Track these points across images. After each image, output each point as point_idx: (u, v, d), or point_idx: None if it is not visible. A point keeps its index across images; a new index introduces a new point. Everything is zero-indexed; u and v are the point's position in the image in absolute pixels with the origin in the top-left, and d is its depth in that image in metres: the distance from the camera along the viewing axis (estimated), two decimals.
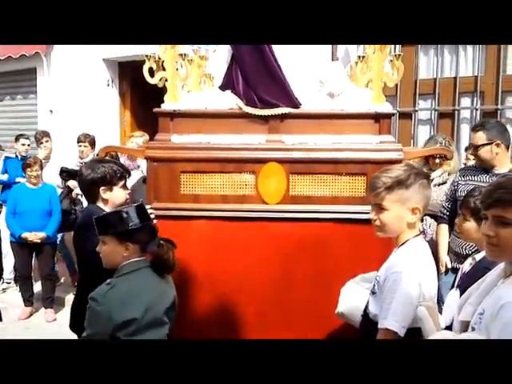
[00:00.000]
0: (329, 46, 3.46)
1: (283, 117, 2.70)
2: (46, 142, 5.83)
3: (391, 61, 2.77)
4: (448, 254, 3.44)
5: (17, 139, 5.95)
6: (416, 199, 1.84)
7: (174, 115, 2.76)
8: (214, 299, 2.71)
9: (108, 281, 2.03)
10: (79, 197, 5.13)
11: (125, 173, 2.69)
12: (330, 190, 2.69)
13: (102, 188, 2.55)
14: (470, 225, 2.31)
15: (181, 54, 2.81)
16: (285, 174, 2.67)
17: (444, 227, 3.47)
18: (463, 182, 3.30)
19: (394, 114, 3.06)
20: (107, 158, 3.12)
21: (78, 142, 5.51)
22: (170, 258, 2.10)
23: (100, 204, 2.63)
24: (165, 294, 2.11)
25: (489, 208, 1.49)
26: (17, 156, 5.87)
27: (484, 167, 3.27)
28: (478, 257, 2.29)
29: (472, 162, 3.90)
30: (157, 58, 2.87)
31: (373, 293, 1.90)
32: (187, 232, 2.68)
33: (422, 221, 3.59)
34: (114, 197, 2.58)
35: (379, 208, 1.86)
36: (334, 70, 2.81)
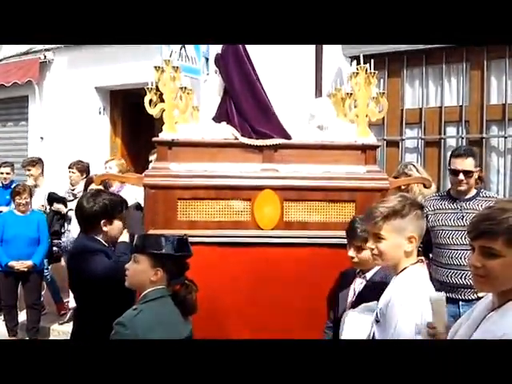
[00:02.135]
0: (313, 82, 3.69)
1: (277, 147, 2.92)
2: (29, 170, 5.86)
3: (375, 98, 3.00)
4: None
5: None
6: (411, 228, 1.96)
7: (172, 144, 2.93)
8: (210, 323, 2.81)
9: (134, 306, 2.12)
10: (69, 213, 5.13)
11: (123, 204, 2.79)
12: (321, 216, 2.89)
13: (103, 221, 2.65)
14: (368, 253, 2.30)
15: (181, 88, 2.98)
16: (279, 200, 2.86)
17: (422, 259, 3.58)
18: (432, 212, 3.39)
19: (379, 146, 3.30)
20: (101, 188, 3.24)
21: (68, 168, 5.59)
22: (192, 300, 2.17)
23: (98, 236, 2.72)
24: (184, 326, 2.19)
25: (476, 239, 1.51)
26: (2, 184, 5.94)
27: (450, 194, 3.42)
28: (369, 275, 2.43)
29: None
30: (155, 90, 3.03)
31: (377, 321, 2.00)
32: None
33: None
34: (113, 229, 2.69)
35: (377, 237, 1.97)
36: (322, 105, 3.07)
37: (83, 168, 5.57)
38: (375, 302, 2.17)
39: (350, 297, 2.48)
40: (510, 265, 1.45)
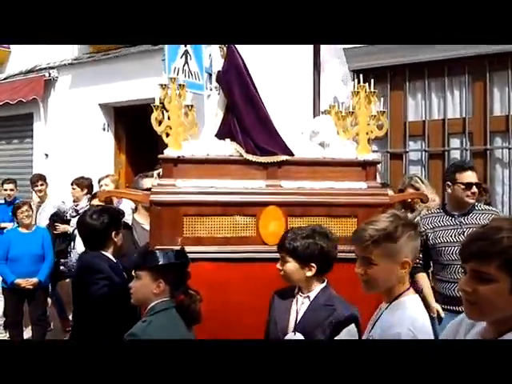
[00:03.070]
0: (311, 101, 3.78)
1: (281, 164, 3.00)
2: (41, 185, 6.00)
3: (374, 116, 3.11)
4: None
5: (2, 184, 6.16)
6: (405, 252, 1.81)
7: (177, 161, 2.98)
8: (216, 338, 2.86)
9: (143, 319, 2.20)
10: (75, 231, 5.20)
11: (122, 215, 3.01)
12: None
13: (114, 232, 2.83)
14: (291, 266, 2.31)
15: (187, 105, 3.02)
16: (283, 216, 2.92)
17: (424, 275, 3.52)
18: (431, 230, 3.44)
19: (379, 163, 3.40)
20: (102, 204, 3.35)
21: (71, 185, 5.69)
22: (196, 309, 2.24)
23: (106, 250, 2.85)
24: (188, 337, 2.24)
25: (467, 261, 1.38)
26: (5, 201, 6.07)
27: (446, 210, 3.48)
28: (312, 295, 2.32)
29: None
30: (161, 107, 3.07)
31: None
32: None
33: None
34: (121, 239, 2.87)
35: (367, 262, 1.82)
36: (324, 122, 3.17)
37: (84, 184, 5.66)
38: (352, 325, 2.15)
39: (293, 318, 2.32)
40: (503, 291, 1.32)
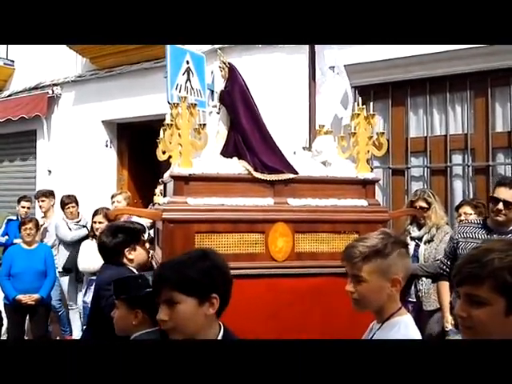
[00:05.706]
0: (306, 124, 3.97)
1: (287, 182, 3.23)
2: (42, 201, 6.20)
3: (371, 137, 3.36)
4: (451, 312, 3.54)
5: (18, 201, 6.34)
6: (395, 269, 1.84)
7: (188, 179, 3.11)
8: None
9: None
10: None
11: (142, 231, 3.08)
12: (329, 246, 3.20)
13: (127, 249, 2.93)
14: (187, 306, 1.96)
15: (200, 124, 3.16)
16: (291, 232, 3.13)
17: (446, 284, 3.62)
18: (463, 240, 3.48)
19: (378, 181, 3.64)
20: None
21: (68, 204, 5.84)
22: None
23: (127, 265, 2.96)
24: None
25: (460, 285, 1.40)
26: (17, 218, 6.23)
27: (486, 224, 3.47)
28: None
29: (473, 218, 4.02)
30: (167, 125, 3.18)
31: None
32: None
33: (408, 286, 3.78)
34: (138, 255, 2.97)
35: (357, 280, 1.86)
36: (326, 142, 3.42)
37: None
38: None
39: None
40: (498, 314, 1.33)
